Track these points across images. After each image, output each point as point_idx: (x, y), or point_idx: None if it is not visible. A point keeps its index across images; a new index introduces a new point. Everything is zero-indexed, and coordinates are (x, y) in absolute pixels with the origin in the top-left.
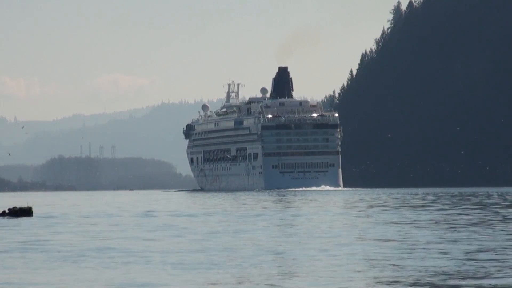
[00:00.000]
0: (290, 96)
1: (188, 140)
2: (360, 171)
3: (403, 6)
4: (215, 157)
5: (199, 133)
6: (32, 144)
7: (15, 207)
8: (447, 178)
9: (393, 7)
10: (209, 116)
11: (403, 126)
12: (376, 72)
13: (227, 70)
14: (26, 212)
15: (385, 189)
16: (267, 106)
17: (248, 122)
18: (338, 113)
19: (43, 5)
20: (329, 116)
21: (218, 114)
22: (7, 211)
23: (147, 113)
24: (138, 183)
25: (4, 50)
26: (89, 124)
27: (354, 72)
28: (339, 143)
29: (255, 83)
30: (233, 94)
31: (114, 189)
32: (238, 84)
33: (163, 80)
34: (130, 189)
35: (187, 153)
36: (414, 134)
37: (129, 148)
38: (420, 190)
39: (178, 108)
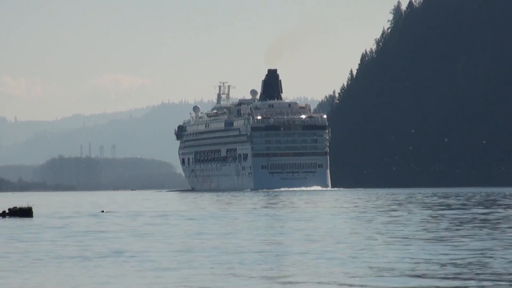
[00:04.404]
0: (279, 98)
1: (179, 141)
2: (356, 171)
3: (403, 6)
4: (205, 158)
5: (190, 134)
6: (32, 144)
7: (15, 207)
8: (445, 178)
9: (393, 7)
10: (200, 117)
11: (402, 126)
12: (376, 72)
13: (219, 72)
14: (26, 212)
15: (378, 189)
16: (256, 108)
17: (238, 123)
18: (337, 113)
19: (45, 5)
20: (317, 117)
21: (208, 115)
22: (7, 211)
23: (147, 113)
24: (138, 183)
25: (5, 50)
26: (89, 124)
27: (354, 72)
28: (328, 144)
29: (246, 85)
30: (223, 96)
31: (114, 189)
32: (229, 86)
33: (163, 80)
34: (131, 189)
35: (179, 154)
36: (414, 134)
37: (129, 148)
38: (414, 191)
39: (178, 108)
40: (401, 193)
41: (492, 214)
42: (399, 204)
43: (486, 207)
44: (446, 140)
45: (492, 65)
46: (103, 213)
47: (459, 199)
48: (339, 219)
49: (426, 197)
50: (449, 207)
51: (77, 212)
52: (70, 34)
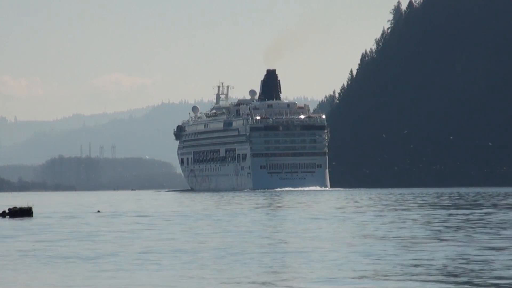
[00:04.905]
0: (278, 98)
1: (178, 141)
2: (357, 170)
3: (403, 6)
4: (204, 158)
5: (189, 134)
6: (32, 144)
7: (15, 207)
8: (443, 178)
9: (393, 7)
10: (199, 118)
11: (402, 126)
12: (376, 72)
13: (219, 72)
14: (26, 212)
15: (378, 189)
16: (255, 108)
17: (237, 123)
18: (337, 113)
19: (45, 5)
20: (316, 117)
21: (207, 115)
22: (7, 211)
23: (147, 113)
24: (138, 183)
25: (6, 50)
26: (89, 124)
27: (354, 72)
28: (326, 144)
29: (245, 85)
30: (222, 96)
31: (114, 189)
32: (228, 86)
33: (163, 80)
34: (132, 189)
35: (178, 154)
36: (414, 134)
37: (129, 148)
38: (412, 191)
39: (178, 108)
40: (397, 193)
41: (473, 214)
42: (387, 205)
43: (471, 208)
44: (451, 138)
45: (492, 65)
46: (98, 213)
47: (451, 200)
48: (324, 221)
49: (418, 197)
50: (433, 207)
51: (72, 212)
52: (70, 34)
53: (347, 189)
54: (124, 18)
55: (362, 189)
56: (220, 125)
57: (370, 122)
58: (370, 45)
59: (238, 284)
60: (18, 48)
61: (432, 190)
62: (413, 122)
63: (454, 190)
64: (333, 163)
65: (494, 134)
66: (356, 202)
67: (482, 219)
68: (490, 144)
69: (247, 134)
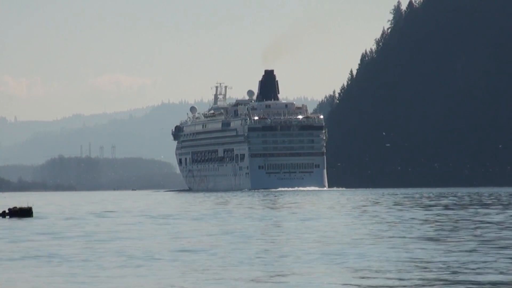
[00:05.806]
0: (276, 98)
1: (177, 141)
2: (358, 170)
3: (403, 6)
4: (203, 158)
5: (187, 134)
6: (32, 144)
7: (15, 207)
8: (444, 178)
9: (393, 7)
10: (197, 118)
11: (402, 126)
12: (376, 72)
13: (218, 72)
14: (26, 212)
15: (377, 189)
16: (253, 108)
17: (235, 123)
18: (337, 113)
19: (45, 5)
20: (314, 118)
21: (205, 116)
22: (7, 211)
23: (147, 113)
24: (138, 183)
25: (5, 50)
26: (89, 124)
27: (354, 72)
28: (324, 144)
29: (243, 86)
30: (220, 96)
31: (114, 189)
32: (226, 87)
33: (163, 80)
34: (132, 189)
35: (176, 154)
36: (414, 134)
37: (129, 148)
38: (408, 191)
39: (178, 108)
40: (391, 193)
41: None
42: (365, 207)
43: (451, 209)
44: (456, 135)
45: (492, 65)
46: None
47: (431, 200)
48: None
49: (406, 197)
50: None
51: (64, 213)
52: (71, 34)
53: (346, 189)
54: (124, 18)
55: (360, 189)
56: (218, 126)
57: (370, 122)
58: (370, 45)
59: None
60: (18, 48)
61: (432, 191)
62: (413, 122)
63: (454, 190)
64: (338, 164)
65: (494, 134)
66: (341, 202)
67: (443, 219)
68: (500, 146)
69: (245, 134)
